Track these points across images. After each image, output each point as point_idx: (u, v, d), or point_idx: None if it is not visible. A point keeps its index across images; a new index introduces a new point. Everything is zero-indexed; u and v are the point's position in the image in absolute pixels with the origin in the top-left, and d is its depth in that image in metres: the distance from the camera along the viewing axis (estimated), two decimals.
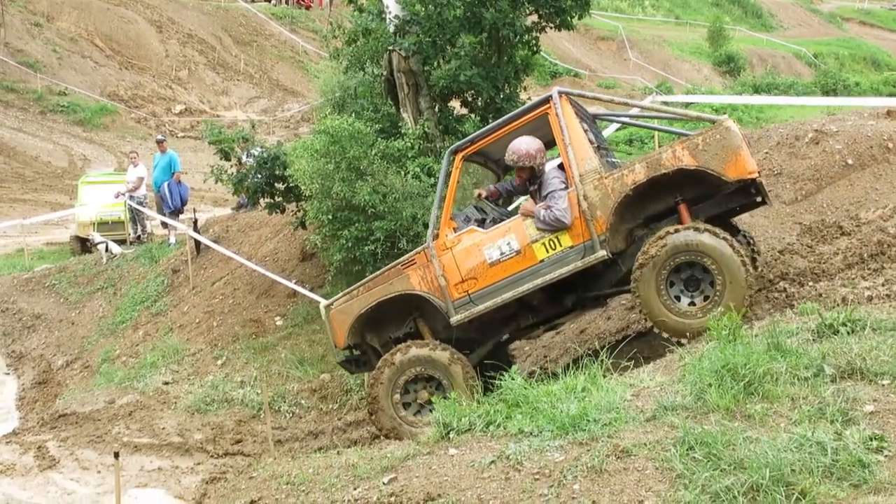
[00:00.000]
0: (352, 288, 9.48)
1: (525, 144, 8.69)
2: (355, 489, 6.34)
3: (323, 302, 9.84)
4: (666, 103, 20.26)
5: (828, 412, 5.54)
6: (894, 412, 5.49)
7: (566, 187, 8.42)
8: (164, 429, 12.16)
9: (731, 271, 7.85)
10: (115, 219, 22.05)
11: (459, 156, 9.00)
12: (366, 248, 12.34)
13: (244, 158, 16.00)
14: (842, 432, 5.28)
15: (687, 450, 5.42)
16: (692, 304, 8.10)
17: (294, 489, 6.86)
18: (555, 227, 8.37)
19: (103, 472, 10.83)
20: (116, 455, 8.56)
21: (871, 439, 5.20)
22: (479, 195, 9.15)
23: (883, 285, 8.29)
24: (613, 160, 9.50)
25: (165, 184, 20.36)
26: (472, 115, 14.35)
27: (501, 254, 8.55)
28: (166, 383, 14.09)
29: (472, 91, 14.11)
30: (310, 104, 38.57)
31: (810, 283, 9.01)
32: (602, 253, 8.24)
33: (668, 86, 40.18)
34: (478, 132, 9.28)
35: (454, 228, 8.89)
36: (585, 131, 8.64)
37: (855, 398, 5.67)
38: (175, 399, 13.31)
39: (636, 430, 5.96)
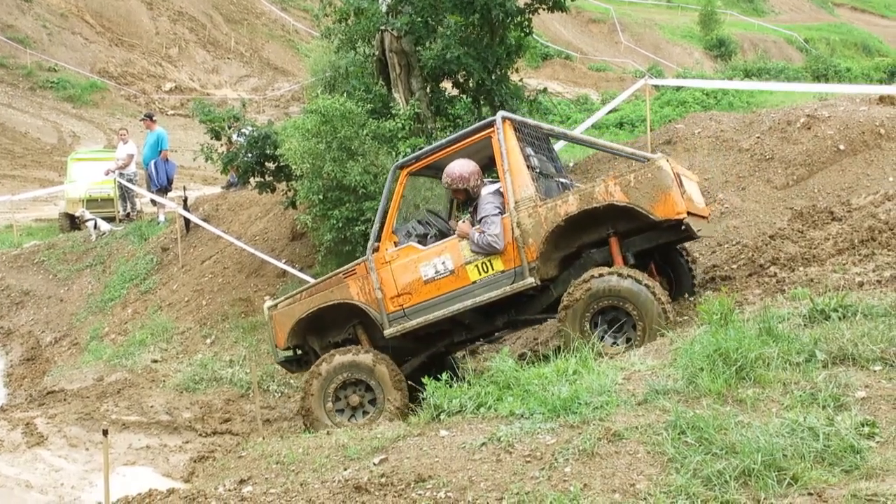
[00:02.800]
0: (296, 291, 9.78)
1: (458, 168, 8.86)
2: (345, 470, 6.32)
3: (267, 303, 10.01)
4: (657, 87, 20.29)
5: (819, 398, 5.55)
6: (886, 398, 5.50)
7: (500, 212, 8.58)
8: (152, 407, 12.14)
9: (650, 317, 7.97)
10: (104, 196, 21.95)
11: (404, 171, 9.20)
12: (356, 228, 12.33)
13: (235, 137, 15.93)
14: (833, 418, 5.29)
15: (678, 434, 5.42)
16: (615, 344, 8.21)
17: (284, 469, 6.84)
18: (487, 251, 8.55)
19: (91, 449, 10.81)
20: (105, 433, 8.50)
21: (863, 425, 5.20)
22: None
23: (874, 271, 8.30)
24: (565, 181, 9.62)
25: (152, 161, 20.26)
26: (464, 97, 14.31)
27: (436, 272, 8.76)
28: (155, 361, 14.08)
29: (464, 72, 14.05)
30: (300, 83, 38.47)
31: (801, 269, 9.02)
32: (530, 280, 8.42)
33: (658, 69, 40.11)
34: (423, 150, 9.49)
35: (395, 242, 9.08)
36: (529, 157, 8.79)
37: (847, 384, 5.67)
38: (164, 377, 13.30)
39: (628, 413, 5.96)
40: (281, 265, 14.85)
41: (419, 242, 9.08)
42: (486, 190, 8.84)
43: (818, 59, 33.85)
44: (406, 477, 5.80)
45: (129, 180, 21.35)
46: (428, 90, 13.93)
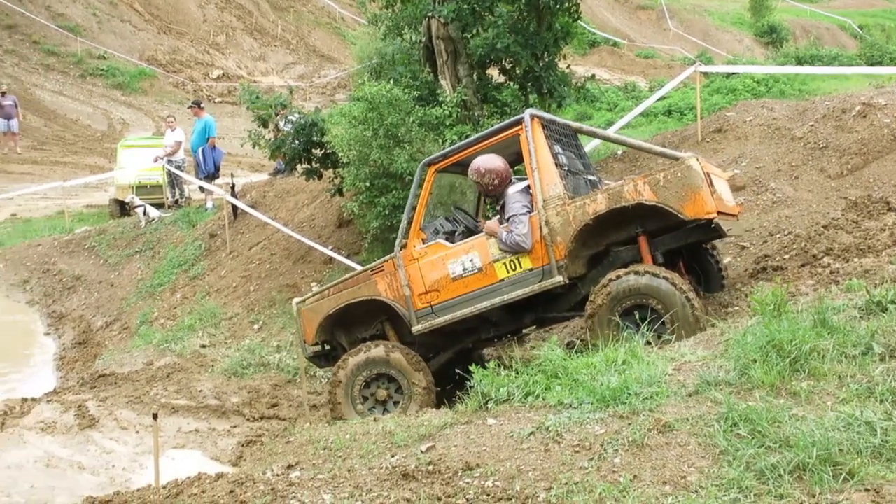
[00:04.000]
0: (324, 287, 9.89)
1: (485, 162, 8.84)
2: (393, 456, 6.31)
3: (295, 300, 10.14)
4: (706, 75, 20.04)
5: (877, 391, 5.42)
6: None
7: (528, 211, 8.53)
8: (201, 391, 12.24)
9: (676, 309, 7.89)
10: (153, 182, 22.17)
11: (432, 169, 9.18)
12: (402, 215, 12.31)
13: (282, 124, 15.98)
14: (892, 412, 5.16)
15: (731, 426, 5.33)
16: (648, 343, 8.01)
17: (331, 455, 6.85)
18: (515, 250, 8.51)
19: (142, 432, 10.91)
20: (155, 416, 8.59)
21: None
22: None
23: None
24: (593, 178, 9.56)
25: (200, 149, 20.40)
26: (511, 84, 14.22)
27: (464, 269, 8.77)
28: (203, 346, 14.18)
29: (511, 59, 13.98)
30: (346, 71, 38.54)
31: (856, 259, 8.87)
32: (559, 279, 8.37)
33: (708, 57, 39.61)
34: (451, 147, 9.48)
35: (423, 239, 9.10)
36: (557, 154, 8.73)
37: None
38: (212, 362, 13.39)
39: (678, 404, 5.88)
40: (328, 252, 14.89)
41: (447, 240, 9.09)
42: (514, 188, 8.77)
43: (873, 46, 33.17)
44: (453, 465, 5.78)
45: (178, 167, 21.55)
46: (475, 77, 13.87)
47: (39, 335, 17.12)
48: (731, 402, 5.53)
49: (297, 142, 15.31)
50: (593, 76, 16.64)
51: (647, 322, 7.85)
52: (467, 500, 5.22)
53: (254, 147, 15.89)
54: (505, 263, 8.59)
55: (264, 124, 15.67)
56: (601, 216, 8.23)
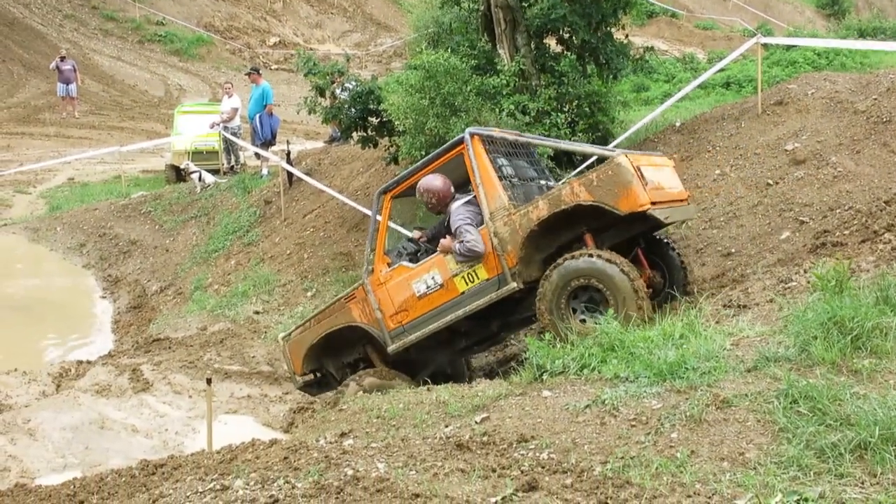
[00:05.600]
0: (305, 320, 10.52)
1: (427, 183, 9.30)
2: (447, 426, 6.32)
3: (280, 334, 10.73)
4: (766, 46, 19.68)
5: None
6: None
7: (472, 221, 8.93)
8: (253, 357, 12.36)
9: (621, 292, 8.13)
10: (209, 149, 22.27)
11: (388, 196, 9.63)
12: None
13: (338, 92, 15.95)
14: None
15: (791, 403, 5.27)
16: (583, 321, 8.35)
17: (384, 423, 6.87)
18: (471, 257, 8.86)
19: (195, 396, 11.04)
20: (209, 381, 8.69)
21: None
22: (419, 238, 9.87)
23: None
24: (549, 183, 9.90)
25: (257, 115, 20.46)
26: (568, 54, 14.07)
27: (427, 287, 9.16)
28: (257, 313, 14.29)
29: (569, 29, 13.82)
30: (402, 39, 38.42)
31: None
32: (514, 285, 8.70)
33: (768, 28, 38.86)
34: (402, 173, 9.92)
35: (388, 264, 9.52)
36: (502, 167, 9.16)
37: None
38: (265, 328, 13.50)
39: (736, 380, 5.82)
40: (397, 227, 14.86)
41: (410, 261, 9.49)
42: (456, 203, 9.17)
43: None
44: (508, 436, 5.77)
45: (234, 134, 21.64)
46: (532, 46, 13.74)
47: (95, 298, 17.33)
48: (791, 379, 5.46)
49: (353, 109, 15.27)
50: (652, 47, 16.39)
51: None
52: (522, 471, 5.21)
53: (310, 114, 15.88)
54: (463, 276, 8.97)
55: (321, 92, 15.64)
56: (545, 221, 8.56)
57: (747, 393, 5.56)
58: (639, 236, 9.16)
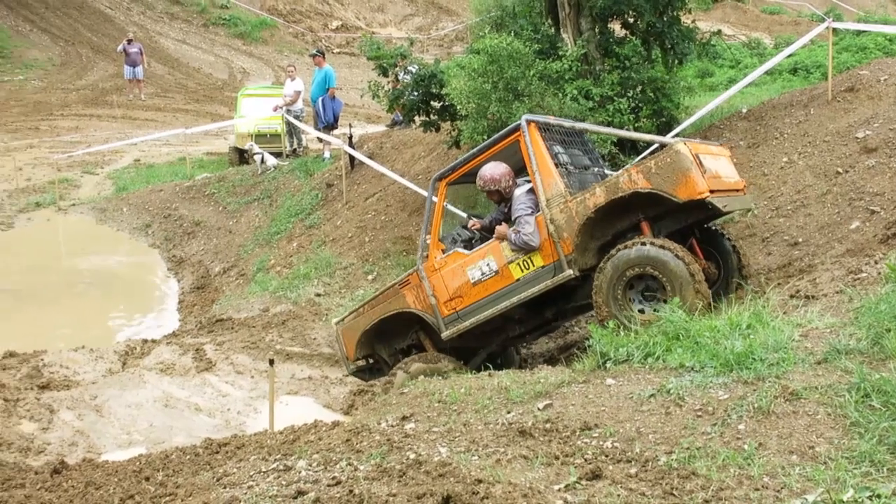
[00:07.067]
0: (358, 305, 10.54)
1: (489, 170, 9.29)
2: (509, 413, 6.29)
3: (334, 319, 10.80)
4: (835, 32, 19.30)
5: None
6: None
7: (533, 211, 8.93)
8: (314, 339, 12.43)
9: (679, 281, 8.07)
10: (272, 131, 22.42)
11: (443, 182, 9.64)
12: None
13: (401, 76, 15.96)
14: None
15: (862, 397, 5.16)
16: (642, 311, 8.32)
17: (446, 408, 6.86)
18: (524, 249, 8.90)
19: (256, 377, 11.15)
20: (271, 362, 8.76)
21: None
22: (472, 225, 9.86)
23: None
24: (604, 171, 9.84)
25: (320, 99, 20.53)
26: (633, 38, 13.92)
27: (482, 274, 9.19)
28: (318, 295, 14.36)
29: (634, 13, 13.66)
30: (464, 23, 38.28)
31: None
32: (569, 272, 8.70)
33: (838, 13, 38.14)
34: (458, 160, 9.83)
35: (442, 250, 9.56)
36: (557, 154, 9.13)
37: None
38: (326, 311, 13.56)
39: (806, 372, 5.71)
40: (456, 210, 14.85)
41: (464, 248, 9.51)
42: (519, 190, 9.18)
43: None
44: (571, 424, 5.73)
45: (297, 117, 21.75)
46: (596, 31, 13.61)
47: (160, 278, 17.59)
48: (863, 372, 5.35)
49: (415, 93, 15.27)
50: (719, 31, 16.16)
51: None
52: (585, 459, 5.17)
53: (373, 98, 15.90)
54: (518, 263, 8.99)
55: (384, 74, 15.66)
56: (602, 208, 8.54)
57: (817, 385, 5.45)
58: (693, 226, 9.12)
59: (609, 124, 12.31)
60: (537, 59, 12.71)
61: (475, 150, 9.71)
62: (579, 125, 10.08)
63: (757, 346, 6.10)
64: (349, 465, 5.43)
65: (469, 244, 9.57)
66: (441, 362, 9.39)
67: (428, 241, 9.56)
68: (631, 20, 13.96)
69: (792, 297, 7.98)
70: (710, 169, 8.47)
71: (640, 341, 6.92)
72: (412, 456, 5.43)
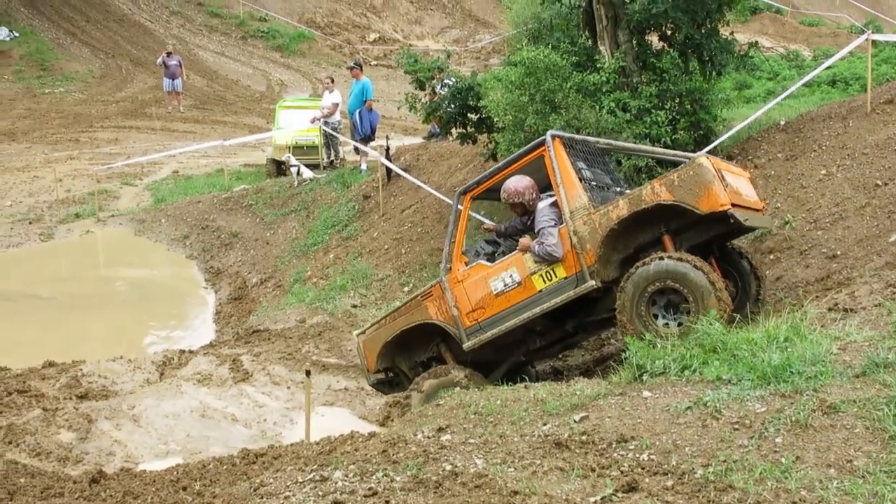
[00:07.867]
0: (380, 317, 10.59)
1: (513, 183, 9.36)
2: (545, 425, 6.30)
3: (356, 331, 10.79)
4: (875, 43, 19.17)
5: None
6: None
7: (556, 223, 9.01)
8: (350, 350, 12.47)
9: (702, 295, 8.09)
10: (309, 143, 22.51)
11: (468, 196, 9.74)
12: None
13: (438, 88, 16.01)
14: None
15: None
16: (667, 325, 8.36)
17: (482, 420, 6.87)
18: (548, 260, 8.95)
19: (293, 388, 11.21)
20: (308, 373, 8.83)
21: None
22: (485, 227, 10.14)
23: None
24: (623, 192, 9.71)
25: (357, 111, 20.63)
26: (671, 51, 13.89)
27: (505, 285, 9.23)
28: (354, 306, 14.42)
29: (671, 25, 13.63)
30: (501, 35, 38.35)
31: None
32: (592, 283, 8.73)
33: (877, 25, 37.83)
34: (483, 174, 9.92)
35: (465, 262, 9.60)
36: (581, 170, 9.19)
37: None
38: (363, 322, 13.59)
39: (844, 385, 5.68)
40: (478, 217, 14.88)
41: (487, 260, 9.57)
42: (543, 203, 9.27)
43: None
44: (607, 436, 5.73)
45: (334, 129, 21.85)
46: (634, 43, 13.59)
47: (198, 289, 17.72)
48: None
49: (452, 105, 15.32)
50: (756, 43, 16.07)
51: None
52: (622, 472, 5.17)
53: (410, 110, 15.98)
54: (541, 275, 9.04)
55: (421, 87, 15.73)
56: (625, 220, 8.61)
57: (855, 399, 5.43)
58: (713, 245, 9.16)
59: (646, 136, 12.30)
60: (574, 72, 12.70)
61: (500, 164, 9.81)
62: (603, 141, 10.18)
63: (795, 359, 6.08)
64: (385, 476, 5.46)
65: (492, 257, 9.65)
66: (451, 373, 9.43)
67: (451, 254, 9.64)
68: (668, 32, 13.92)
69: (830, 310, 7.93)
70: (731, 184, 8.55)
71: (676, 354, 6.92)
72: (448, 467, 5.45)
